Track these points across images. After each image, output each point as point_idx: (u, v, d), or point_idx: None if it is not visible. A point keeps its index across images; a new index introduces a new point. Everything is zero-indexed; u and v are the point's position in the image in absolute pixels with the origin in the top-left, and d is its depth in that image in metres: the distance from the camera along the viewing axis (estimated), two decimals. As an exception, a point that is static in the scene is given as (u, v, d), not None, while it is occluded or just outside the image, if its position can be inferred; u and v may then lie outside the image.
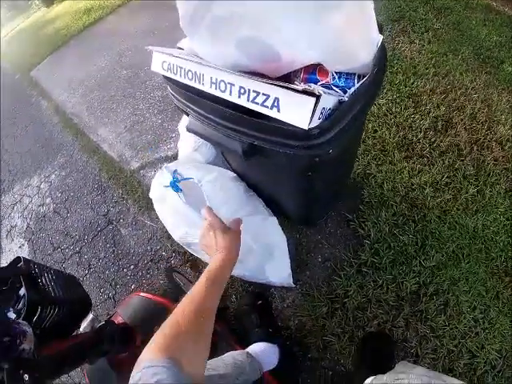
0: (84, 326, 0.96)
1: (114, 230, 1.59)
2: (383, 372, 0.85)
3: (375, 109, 1.42)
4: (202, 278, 0.58)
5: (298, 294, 1.18)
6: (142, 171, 1.59)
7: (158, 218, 1.46)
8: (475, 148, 1.44)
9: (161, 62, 0.79)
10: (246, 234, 0.85)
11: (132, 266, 1.48)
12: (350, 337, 1.12)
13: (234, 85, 0.63)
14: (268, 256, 1.10)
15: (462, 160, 1.39)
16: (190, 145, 1.24)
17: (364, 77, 0.66)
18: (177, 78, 0.75)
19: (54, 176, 2.03)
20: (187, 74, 0.73)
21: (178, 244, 1.36)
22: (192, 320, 0.48)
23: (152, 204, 1.48)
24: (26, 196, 2.07)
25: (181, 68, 0.74)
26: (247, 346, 1.07)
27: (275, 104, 0.58)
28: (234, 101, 0.64)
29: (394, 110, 1.42)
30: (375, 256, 1.19)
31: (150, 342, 0.45)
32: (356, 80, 0.69)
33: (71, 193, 1.87)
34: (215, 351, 0.84)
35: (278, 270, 1.13)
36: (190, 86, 0.73)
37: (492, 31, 2.12)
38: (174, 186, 0.93)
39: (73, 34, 3.51)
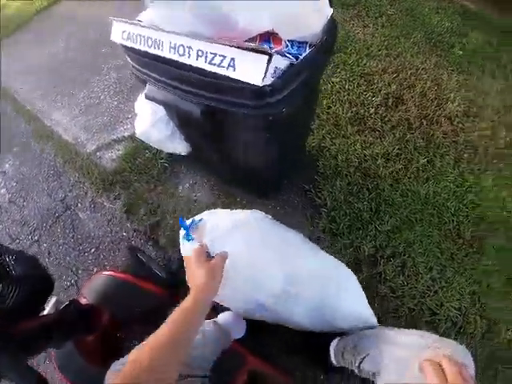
0: (48, 308, 0.95)
1: (73, 215, 1.54)
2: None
3: (329, 86, 1.47)
4: (173, 316, 0.57)
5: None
6: (98, 153, 1.54)
7: (116, 198, 1.43)
8: (425, 123, 1.53)
9: (121, 31, 0.81)
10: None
11: (93, 250, 1.44)
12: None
13: (192, 48, 0.67)
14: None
15: (413, 133, 1.48)
16: (146, 121, 1.22)
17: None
18: (136, 46, 0.78)
19: (7, 166, 1.92)
20: (147, 42, 0.75)
21: (139, 223, 1.34)
22: (161, 358, 0.49)
23: (110, 185, 1.46)
24: (-23, 189, 1.94)
25: (140, 36, 0.76)
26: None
27: (231, 64, 0.62)
28: (192, 63, 0.67)
29: (347, 87, 1.48)
30: (332, 223, 1.24)
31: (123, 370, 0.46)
32: (307, 48, 0.74)
33: (26, 181, 1.78)
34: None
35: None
36: (149, 53, 0.75)
37: (444, 18, 2.23)
38: (187, 235, 0.81)
39: (25, 19, 3.28)
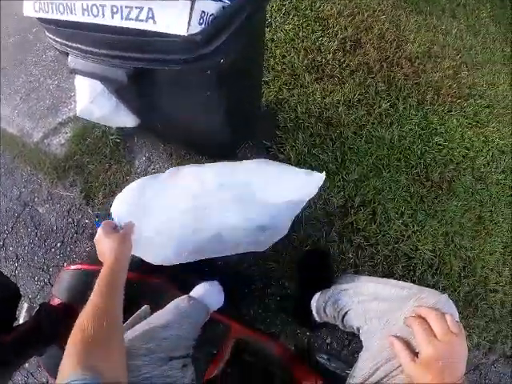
0: (22, 317, 0.95)
1: (32, 212, 1.44)
2: (328, 286, 0.88)
3: (282, 35, 1.38)
4: (95, 288, 0.58)
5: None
6: (46, 140, 1.43)
7: (72, 185, 1.35)
8: (385, 65, 1.48)
9: (32, 3, 0.73)
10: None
11: (59, 244, 1.37)
12: (288, 260, 1.14)
13: (105, 6, 0.59)
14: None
15: (373, 77, 1.43)
16: (85, 98, 1.12)
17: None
18: (49, 16, 0.70)
19: (-43, 174, 1.78)
20: (58, 8, 0.67)
21: (100, 208, 1.27)
22: (96, 326, 0.48)
23: (63, 172, 1.37)
24: None
25: (51, 3, 0.68)
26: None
27: (150, 15, 0.55)
28: (108, 23, 0.60)
29: (301, 34, 1.40)
30: (298, 178, 1.19)
31: (65, 353, 0.46)
32: None
33: (-21, 187, 1.66)
34: (160, 306, 0.81)
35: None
36: (63, 21, 0.68)
37: (401, -43, 2.16)
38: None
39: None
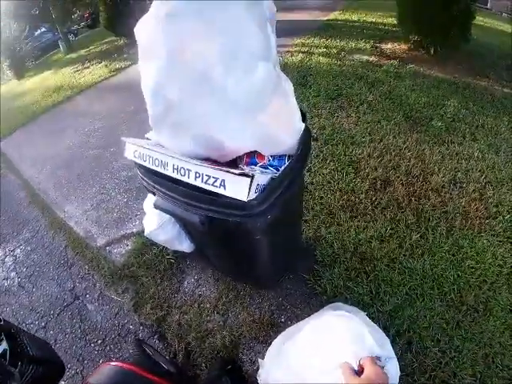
0: None
1: (81, 305, 1.56)
2: None
3: (320, 178, 1.58)
4: None
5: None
6: (108, 248, 1.61)
7: (124, 292, 1.47)
8: (413, 199, 1.61)
9: (132, 151, 0.97)
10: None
11: (99, 341, 1.44)
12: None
13: (191, 170, 0.81)
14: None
15: (403, 211, 1.55)
16: (154, 222, 1.31)
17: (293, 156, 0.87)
18: (146, 164, 0.92)
19: (19, 250, 1.99)
20: (154, 162, 0.90)
21: (145, 317, 1.36)
22: None
23: (118, 278, 1.51)
24: (-12, 269, 1.98)
25: (149, 156, 0.91)
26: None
27: (222, 184, 0.76)
28: (191, 183, 0.81)
29: (336, 177, 1.58)
30: (334, 310, 1.25)
31: None
32: (286, 159, 0.89)
33: (37, 268, 1.83)
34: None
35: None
36: (157, 172, 0.89)
37: (420, 94, 2.45)
38: None
39: (42, 110, 3.62)
